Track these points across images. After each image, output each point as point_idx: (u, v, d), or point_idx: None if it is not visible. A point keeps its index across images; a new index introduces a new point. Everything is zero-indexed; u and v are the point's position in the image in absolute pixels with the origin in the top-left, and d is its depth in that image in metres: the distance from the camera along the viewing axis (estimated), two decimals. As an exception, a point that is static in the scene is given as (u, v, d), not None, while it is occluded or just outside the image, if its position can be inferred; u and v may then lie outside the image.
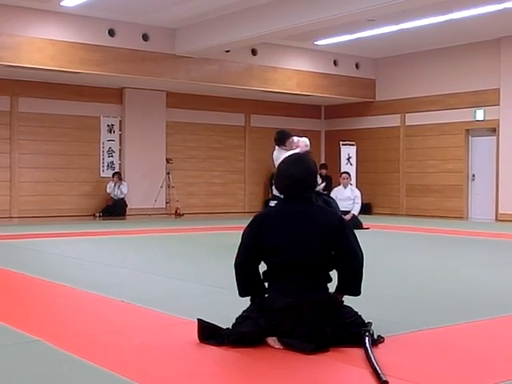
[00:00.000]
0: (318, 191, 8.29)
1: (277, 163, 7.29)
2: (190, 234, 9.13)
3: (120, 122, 15.61)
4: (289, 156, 3.76)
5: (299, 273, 3.50)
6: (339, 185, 12.56)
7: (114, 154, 15.59)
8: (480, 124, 15.24)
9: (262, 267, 3.62)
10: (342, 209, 11.68)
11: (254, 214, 3.87)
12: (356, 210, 12.02)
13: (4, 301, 4.88)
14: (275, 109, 17.69)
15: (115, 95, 15.51)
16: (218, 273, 6.25)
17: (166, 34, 13.96)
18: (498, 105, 14.80)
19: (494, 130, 15.04)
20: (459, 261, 7.56)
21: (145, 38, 13.75)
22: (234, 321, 3.53)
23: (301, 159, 3.69)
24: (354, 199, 12.10)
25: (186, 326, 3.85)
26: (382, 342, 3.46)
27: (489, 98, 14.96)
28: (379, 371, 2.90)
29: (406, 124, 16.71)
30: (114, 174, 15.14)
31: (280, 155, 7.50)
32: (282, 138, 8.17)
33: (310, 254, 3.50)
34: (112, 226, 12.38)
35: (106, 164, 15.49)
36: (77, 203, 15.07)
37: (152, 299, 4.76)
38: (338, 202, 12.16)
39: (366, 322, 3.53)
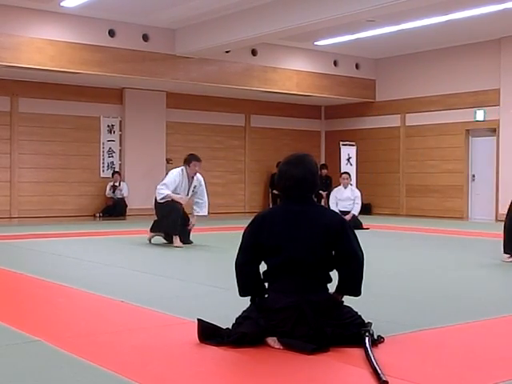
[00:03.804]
0: None
1: None
2: (191, 234, 9.12)
3: (120, 122, 15.61)
4: (290, 156, 3.75)
5: (299, 273, 3.49)
6: (339, 185, 12.56)
7: (114, 154, 15.60)
8: (480, 124, 15.24)
9: (263, 267, 3.62)
10: (342, 209, 11.72)
11: (254, 214, 3.87)
12: (356, 211, 12.03)
13: (4, 301, 4.88)
14: (275, 109, 17.70)
15: (115, 95, 15.51)
16: (217, 273, 6.25)
17: (165, 35, 13.96)
18: (499, 105, 14.80)
19: (494, 131, 15.04)
20: (459, 261, 7.56)
21: (145, 38, 13.76)
22: (233, 321, 3.53)
23: (302, 160, 3.67)
24: (354, 199, 12.11)
25: (185, 326, 3.85)
26: (382, 342, 3.46)
27: (489, 98, 14.96)
28: (379, 371, 2.90)
29: (406, 124, 16.71)
30: (113, 174, 15.16)
31: None
32: None
33: (310, 254, 3.50)
34: (112, 226, 12.38)
35: (106, 164, 15.49)
36: (77, 203, 15.08)
37: (152, 299, 4.76)
38: (338, 202, 12.23)
39: (366, 322, 3.53)
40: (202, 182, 8.99)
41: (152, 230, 9.04)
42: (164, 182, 8.77)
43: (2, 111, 14.19)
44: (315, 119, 18.70)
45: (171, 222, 8.64)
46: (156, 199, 8.84)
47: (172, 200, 8.62)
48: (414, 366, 3.11)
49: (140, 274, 6.24)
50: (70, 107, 14.88)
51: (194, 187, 8.89)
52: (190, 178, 8.84)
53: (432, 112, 16.02)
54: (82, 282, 5.58)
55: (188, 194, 8.87)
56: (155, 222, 9.03)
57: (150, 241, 9.01)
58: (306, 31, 12.54)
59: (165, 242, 8.95)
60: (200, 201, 8.96)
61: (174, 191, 8.67)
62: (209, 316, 3.64)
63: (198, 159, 8.85)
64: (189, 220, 8.94)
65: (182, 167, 8.85)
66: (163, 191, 8.64)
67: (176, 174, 8.78)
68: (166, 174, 15.80)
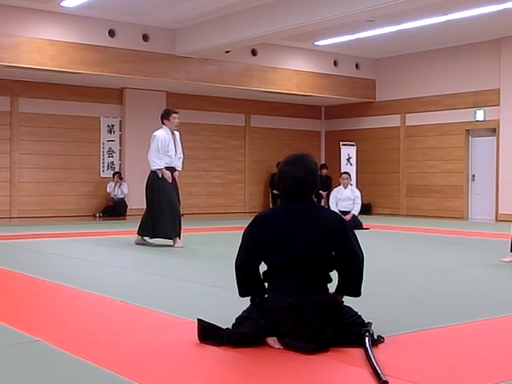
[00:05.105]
0: None
1: None
2: (190, 234, 9.12)
3: (120, 122, 15.62)
4: (290, 156, 3.75)
5: (299, 273, 3.50)
6: (339, 185, 12.56)
7: (114, 154, 15.60)
8: (480, 124, 15.24)
9: (263, 267, 3.62)
10: (342, 209, 11.72)
11: (254, 214, 3.87)
12: (356, 211, 12.03)
13: (4, 301, 4.88)
14: (275, 109, 17.70)
15: (115, 95, 15.51)
16: (217, 273, 6.25)
17: (166, 35, 13.96)
18: (498, 105, 14.81)
19: (494, 131, 15.04)
20: (459, 261, 7.56)
21: (145, 38, 13.76)
22: (234, 321, 3.53)
23: (302, 160, 3.67)
24: (354, 199, 12.11)
25: (185, 325, 3.85)
26: (382, 342, 3.46)
27: (489, 98, 14.97)
28: (379, 371, 2.90)
29: (406, 124, 16.71)
30: (114, 174, 15.17)
31: None
32: None
33: (310, 254, 3.50)
34: (112, 226, 12.38)
35: (106, 164, 15.50)
36: (77, 203, 15.08)
37: (152, 299, 4.76)
38: (338, 202, 12.23)
39: (366, 322, 3.53)
40: (179, 137, 8.65)
41: (141, 232, 8.72)
42: (157, 147, 8.28)
43: (1, 111, 14.20)
44: (315, 119, 18.70)
45: (169, 226, 8.46)
46: (148, 180, 8.53)
47: (168, 188, 8.38)
48: (414, 366, 3.10)
49: (140, 274, 6.24)
50: (70, 107, 14.89)
51: (180, 143, 8.61)
52: (172, 135, 8.46)
53: (432, 112, 16.03)
54: (82, 282, 5.58)
55: (176, 153, 8.52)
56: (145, 221, 8.69)
57: (143, 243, 8.87)
58: (306, 31, 12.54)
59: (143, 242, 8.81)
60: (180, 156, 8.63)
61: (167, 153, 8.37)
62: (209, 316, 3.64)
63: (175, 111, 8.49)
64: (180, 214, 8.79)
65: (163, 126, 8.44)
66: (159, 162, 8.30)
67: (163, 135, 8.34)
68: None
